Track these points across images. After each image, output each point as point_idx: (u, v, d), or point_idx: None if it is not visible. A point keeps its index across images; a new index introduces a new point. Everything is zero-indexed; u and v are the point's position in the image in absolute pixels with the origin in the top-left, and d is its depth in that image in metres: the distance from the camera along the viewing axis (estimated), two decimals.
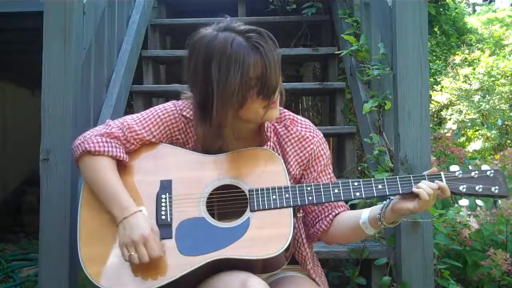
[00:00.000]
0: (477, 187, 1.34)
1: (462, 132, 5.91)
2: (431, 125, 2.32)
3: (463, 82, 7.14)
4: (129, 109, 3.36)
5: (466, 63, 7.42)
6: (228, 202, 1.37)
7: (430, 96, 5.66)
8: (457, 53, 7.37)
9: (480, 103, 6.55)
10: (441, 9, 4.81)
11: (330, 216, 1.46)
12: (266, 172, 1.38)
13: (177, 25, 3.84)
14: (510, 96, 6.72)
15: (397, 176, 1.36)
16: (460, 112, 6.72)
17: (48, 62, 1.80)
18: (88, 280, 1.30)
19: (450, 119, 6.72)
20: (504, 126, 6.27)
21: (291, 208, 1.34)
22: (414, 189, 1.31)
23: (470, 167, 1.38)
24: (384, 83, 2.49)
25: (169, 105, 1.48)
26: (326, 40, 3.92)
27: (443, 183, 1.33)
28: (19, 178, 4.51)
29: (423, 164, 1.87)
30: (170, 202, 1.37)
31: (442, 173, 1.36)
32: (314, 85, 3.42)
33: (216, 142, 1.39)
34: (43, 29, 1.81)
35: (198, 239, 1.31)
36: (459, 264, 2.08)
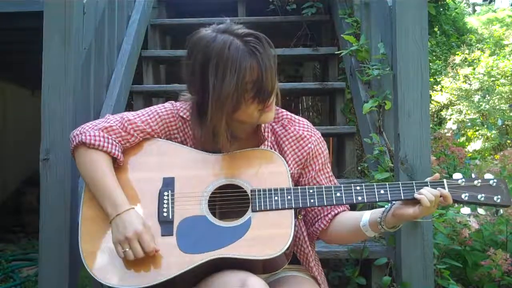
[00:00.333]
0: (479, 196, 1.34)
1: (462, 132, 5.91)
2: (431, 125, 2.32)
3: (463, 82, 7.15)
4: (129, 109, 3.35)
5: (466, 63, 7.42)
6: (230, 202, 1.38)
7: (430, 96, 5.66)
8: (457, 53, 7.38)
9: (480, 103, 6.55)
10: (441, 9, 4.82)
11: (330, 215, 1.46)
12: (269, 173, 1.39)
13: (177, 25, 3.84)
14: (510, 96, 6.73)
15: (400, 182, 1.37)
16: (460, 112, 6.72)
17: (48, 62, 1.80)
18: (88, 278, 1.30)
19: (450, 119, 6.72)
20: (504, 126, 6.27)
21: (293, 210, 1.35)
22: (416, 195, 1.31)
23: (473, 175, 1.38)
24: (384, 83, 2.49)
25: (167, 104, 1.50)
26: (326, 40, 3.92)
27: (446, 191, 1.33)
28: (19, 178, 4.51)
29: (423, 164, 1.87)
30: (172, 199, 1.38)
31: (444, 181, 1.36)
32: (314, 85, 3.43)
33: (212, 142, 1.39)
34: (43, 29, 1.81)
35: (199, 237, 1.32)
36: (459, 264, 2.08)
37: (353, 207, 1.60)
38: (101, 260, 1.32)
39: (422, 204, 1.29)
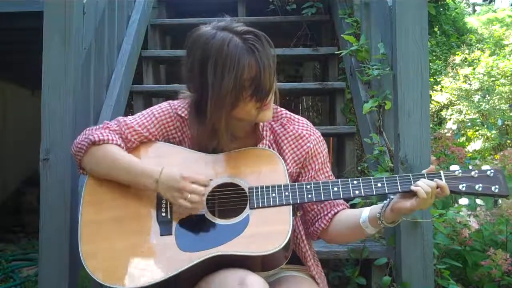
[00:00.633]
0: (476, 186, 1.34)
1: (462, 132, 5.90)
2: (431, 125, 2.32)
3: (463, 82, 7.14)
4: (129, 109, 3.36)
5: (466, 63, 7.41)
6: (228, 200, 1.38)
7: (430, 96, 5.66)
8: (457, 53, 7.37)
9: (480, 103, 6.55)
10: (441, 9, 4.82)
11: (330, 214, 1.46)
12: (266, 171, 1.39)
13: (177, 25, 3.84)
14: (510, 96, 6.72)
15: (397, 175, 1.36)
16: (460, 112, 6.72)
17: (48, 62, 1.80)
18: (88, 279, 1.30)
19: (450, 119, 6.72)
20: (504, 126, 6.27)
21: (290, 206, 1.35)
22: (412, 187, 1.31)
23: (470, 167, 1.37)
24: (384, 83, 2.49)
25: (164, 104, 1.50)
26: (326, 40, 3.92)
27: (443, 182, 1.33)
28: (19, 178, 4.51)
29: (423, 164, 1.87)
30: None
31: (441, 172, 1.36)
32: (314, 85, 3.43)
33: (211, 140, 1.40)
34: (43, 29, 1.81)
35: (197, 235, 1.33)
36: (459, 264, 2.08)
37: (353, 207, 1.59)
38: (101, 261, 1.32)
39: (419, 195, 1.29)
